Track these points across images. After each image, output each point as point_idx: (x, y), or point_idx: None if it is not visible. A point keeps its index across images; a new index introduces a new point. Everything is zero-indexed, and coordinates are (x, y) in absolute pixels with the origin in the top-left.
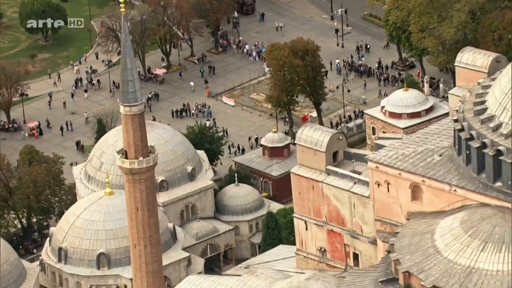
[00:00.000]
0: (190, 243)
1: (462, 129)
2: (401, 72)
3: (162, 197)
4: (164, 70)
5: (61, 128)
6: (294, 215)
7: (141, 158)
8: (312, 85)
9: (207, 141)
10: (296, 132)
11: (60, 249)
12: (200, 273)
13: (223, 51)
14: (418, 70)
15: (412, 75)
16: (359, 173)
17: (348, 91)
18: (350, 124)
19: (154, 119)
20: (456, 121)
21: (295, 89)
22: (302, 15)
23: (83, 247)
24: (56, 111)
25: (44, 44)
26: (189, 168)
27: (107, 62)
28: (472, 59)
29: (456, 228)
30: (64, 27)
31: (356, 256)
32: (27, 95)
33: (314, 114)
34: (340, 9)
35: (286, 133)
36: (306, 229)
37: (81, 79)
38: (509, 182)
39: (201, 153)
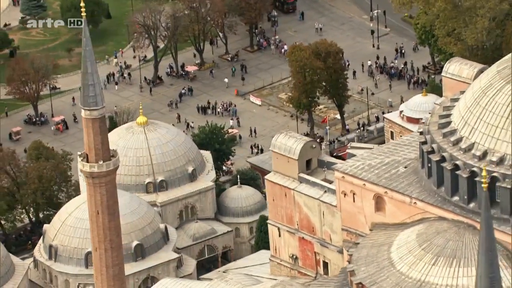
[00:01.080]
0: (187, 244)
1: (425, 142)
2: (432, 76)
3: (161, 197)
4: (195, 67)
5: None
6: (268, 221)
7: (101, 162)
8: (335, 87)
9: (217, 141)
10: (317, 133)
11: (50, 246)
12: (190, 274)
13: (258, 50)
14: None
15: (434, 80)
16: (331, 182)
17: (372, 94)
18: (371, 127)
19: (178, 117)
20: (421, 133)
21: (315, 91)
22: (342, 15)
23: (72, 245)
24: None
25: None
26: (190, 169)
27: (142, 58)
28: (458, 70)
29: (412, 241)
30: (105, 21)
31: (325, 265)
32: (58, 88)
33: (338, 116)
34: (377, 10)
35: (307, 134)
36: (279, 235)
37: (113, 74)
38: (465, 197)
39: (207, 154)
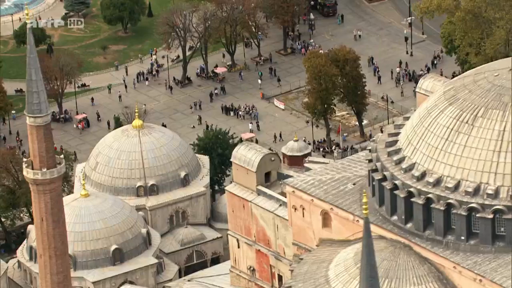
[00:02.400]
0: (175, 249)
1: (371, 160)
2: None
3: (151, 201)
4: (224, 69)
5: (108, 122)
6: (228, 232)
7: (44, 170)
8: (353, 94)
9: (221, 146)
10: (333, 140)
11: (31, 247)
12: (170, 280)
13: (291, 53)
14: None
15: None
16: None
17: (392, 102)
18: None
19: (200, 118)
20: (370, 151)
21: (331, 98)
22: (382, 20)
23: None
24: (111, 104)
25: (123, 35)
26: (182, 174)
27: (175, 58)
28: (431, 86)
29: (349, 259)
30: (144, 20)
31: (280, 278)
32: (88, 86)
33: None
34: (410, 17)
35: (323, 141)
36: (238, 247)
37: (143, 73)
38: (403, 217)
39: (204, 159)
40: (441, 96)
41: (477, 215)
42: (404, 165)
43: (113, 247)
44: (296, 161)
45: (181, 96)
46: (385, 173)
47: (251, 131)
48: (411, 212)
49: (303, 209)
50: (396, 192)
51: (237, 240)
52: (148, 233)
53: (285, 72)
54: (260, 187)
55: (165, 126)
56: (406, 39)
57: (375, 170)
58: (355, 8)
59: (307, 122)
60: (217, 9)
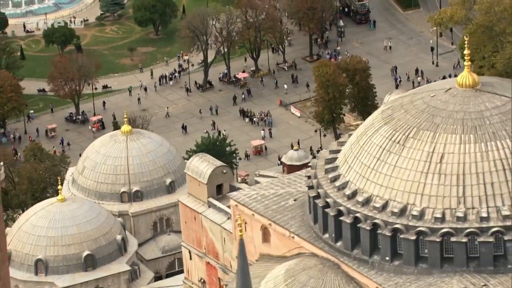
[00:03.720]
0: (156, 256)
1: (309, 177)
2: None
3: (134, 207)
4: (246, 74)
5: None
6: (181, 243)
7: None
8: (363, 104)
9: (216, 153)
10: None
11: None
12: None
13: (317, 59)
14: None
15: None
16: None
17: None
18: None
19: (213, 123)
20: (311, 167)
21: (338, 107)
22: (414, 29)
23: (24, 251)
24: (130, 106)
25: (154, 37)
26: (168, 181)
27: (200, 62)
28: None
29: (279, 276)
30: (177, 22)
31: None
32: (110, 87)
33: None
34: (435, 27)
35: None
36: (190, 258)
37: (165, 76)
38: (333, 235)
39: None
40: (379, 115)
41: (401, 236)
42: (337, 183)
43: (85, 253)
44: (295, 170)
45: (200, 100)
46: (319, 190)
47: (263, 138)
48: (340, 230)
49: (245, 223)
50: (327, 210)
51: (189, 251)
52: (123, 239)
53: (309, 80)
54: (211, 200)
55: (185, 128)
56: (432, 49)
57: (311, 187)
58: (389, 16)
59: (315, 131)
60: (241, 14)
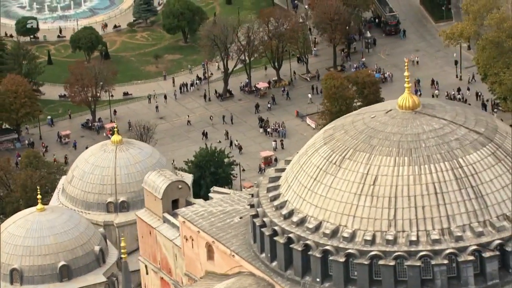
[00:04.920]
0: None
1: (252, 195)
2: (495, 111)
3: (120, 218)
4: (266, 84)
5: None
6: (139, 257)
7: None
8: None
9: (214, 164)
10: None
11: None
12: None
13: (341, 71)
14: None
15: None
16: None
17: None
18: None
19: (227, 133)
20: (255, 185)
21: None
22: (442, 41)
23: (1, 260)
24: (148, 114)
25: (182, 45)
26: None
27: (221, 70)
28: None
29: None
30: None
31: None
32: (130, 94)
33: None
34: (459, 40)
35: None
36: (147, 273)
37: (186, 84)
38: (269, 255)
39: (187, 178)
40: (321, 134)
41: (331, 258)
42: (276, 202)
43: (61, 263)
44: None
45: (218, 109)
46: (258, 209)
47: (274, 149)
48: (275, 251)
49: (192, 240)
50: (263, 229)
51: (146, 266)
52: (101, 250)
53: None
54: (166, 215)
55: (206, 135)
56: (456, 62)
57: (252, 206)
58: (420, 28)
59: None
60: (263, 23)
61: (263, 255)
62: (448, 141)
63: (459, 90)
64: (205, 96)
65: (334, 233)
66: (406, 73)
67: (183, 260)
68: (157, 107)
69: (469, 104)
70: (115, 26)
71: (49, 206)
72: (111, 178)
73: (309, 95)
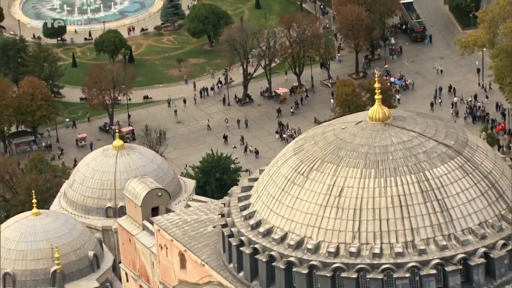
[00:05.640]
0: None
1: (224, 205)
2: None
3: (117, 222)
4: (285, 90)
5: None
6: (120, 265)
7: None
8: None
9: (219, 170)
10: None
11: None
12: None
13: (362, 77)
14: (502, 124)
15: (491, 130)
16: None
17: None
18: None
19: (242, 139)
20: (228, 195)
21: None
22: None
23: None
24: (166, 118)
25: (208, 49)
26: None
27: (247, 75)
28: None
29: None
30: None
31: None
32: (150, 98)
33: None
34: (484, 48)
35: None
36: (127, 280)
37: (206, 89)
38: (236, 265)
39: (190, 183)
40: (292, 145)
41: (294, 269)
42: (245, 212)
43: (54, 268)
44: None
45: (237, 114)
46: (227, 219)
47: None
48: (241, 260)
49: (167, 248)
50: (230, 239)
51: (126, 273)
52: (96, 256)
53: None
54: (145, 222)
55: (226, 138)
56: (478, 70)
57: (223, 215)
58: (447, 35)
59: None
60: (284, 28)
61: (231, 265)
62: (416, 153)
63: (475, 97)
64: (224, 100)
65: (299, 245)
66: (376, 85)
67: (159, 268)
68: (175, 111)
69: (487, 114)
70: (142, 29)
71: (45, 211)
72: (110, 183)
73: (332, 101)
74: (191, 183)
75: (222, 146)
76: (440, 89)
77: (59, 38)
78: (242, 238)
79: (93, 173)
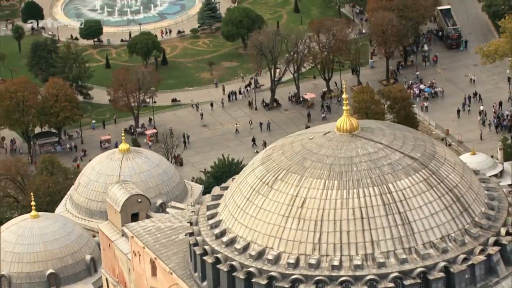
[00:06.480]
0: None
1: (194, 213)
2: None
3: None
4: (313, 95)
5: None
6: (101, 270)
7: None
8: None
9: (229, 176)
10: None
11: None
12: None
13: (393, 83)
14: None
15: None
16: None
17: (449, 145)
18: None
19: (264, 143)
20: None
21: None
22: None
23: None
24: (193, 121)
25: (242, 52)
26: (159, 202)
27: (276, 80)
28: None
29: None
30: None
31: None
32: (179, 101)
33: None
34: (483, 59)
35: None
36: (108, 286)
37: (235, 93)
38: (200, 274)
39: (197, 188)
40: (261, 154)
41: (253, 280)
42: (211, 221)
43: (49, 271)
44: None
45: (263, 118)
46: (194, 227)
47: None
48: (205, 270)
49: (140, 255)
50: (195, 248)
51: (106, 279)
52: (93, 259)
53: None
54: (124, 228)
55: (254, 141)
56: (509, 79)
57: (191, 224)
58: (483, 42)
59: None
60: (314, 34)
61: (196, 274)
62: (381, 165)
63: (500, 104)
64: (249, 104)
65: (260, 255)
66: (344, 95)
67: (134, 274)
68: (202, 114)
69: None
70: (179, 32)
71: (44, 213)
72: None
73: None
74: (198, 188)
75: (245, 151)
76: (470, 97)
77: (95, 39)
78: (206, 247)
79: (97, 176)
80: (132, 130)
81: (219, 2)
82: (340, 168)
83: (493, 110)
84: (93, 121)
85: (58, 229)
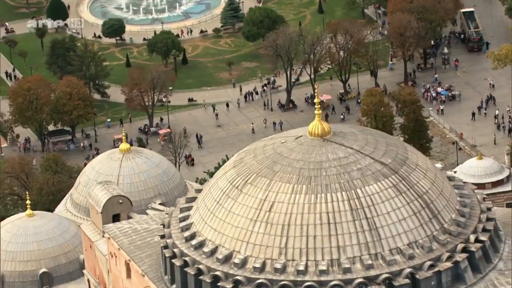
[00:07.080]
0: None
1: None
2: None
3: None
4: (329, 97)
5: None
6: (84, 271)
7: None
8: (418, 137)
9: None
10: None
11: None
12: None
13: (412, 86)
14: None
15: None
16: None
17: (460, 148)
18: None
19: None
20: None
21: None
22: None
23: None
24: (207, 121)
25: (262, 53)
26: (157, 202)
27: (293, 81)
28: None
29: None
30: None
31: None
32: (195, 101)
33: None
34: (495, 63)
35: None
36: (89, 287)
37: (251, 93)
38: (169, 277)
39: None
40: (234, 158)
41: (219, 284)
42: (183, 224)
43: (42, 270)
44: None
45: (279, 119)
46: (166, 230)
47: None
48: (173, 273)
49: (116, 257)
50: (165, 251)
51: (88, 280)
52: None
53: None
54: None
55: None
56: None
57: (164, 226)
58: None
59: None
60: (331, 35)
61: (166, 276)
62: (350, 170)
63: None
64: (264, 105)
65: (227, 259)
66: (316, 100)
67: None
68: (217, 114)
69: None
70: (201, 31)
71: (39, 212)
72: None
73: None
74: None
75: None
76: (487, 101)
77: (117, 38)
78: (175, 250)
79: (97, 176)
80: (146, 130)
81: (242, 2)
82: (309, 172)
83: (509, 114)
84: (108, 120)
85: (52, 228)
